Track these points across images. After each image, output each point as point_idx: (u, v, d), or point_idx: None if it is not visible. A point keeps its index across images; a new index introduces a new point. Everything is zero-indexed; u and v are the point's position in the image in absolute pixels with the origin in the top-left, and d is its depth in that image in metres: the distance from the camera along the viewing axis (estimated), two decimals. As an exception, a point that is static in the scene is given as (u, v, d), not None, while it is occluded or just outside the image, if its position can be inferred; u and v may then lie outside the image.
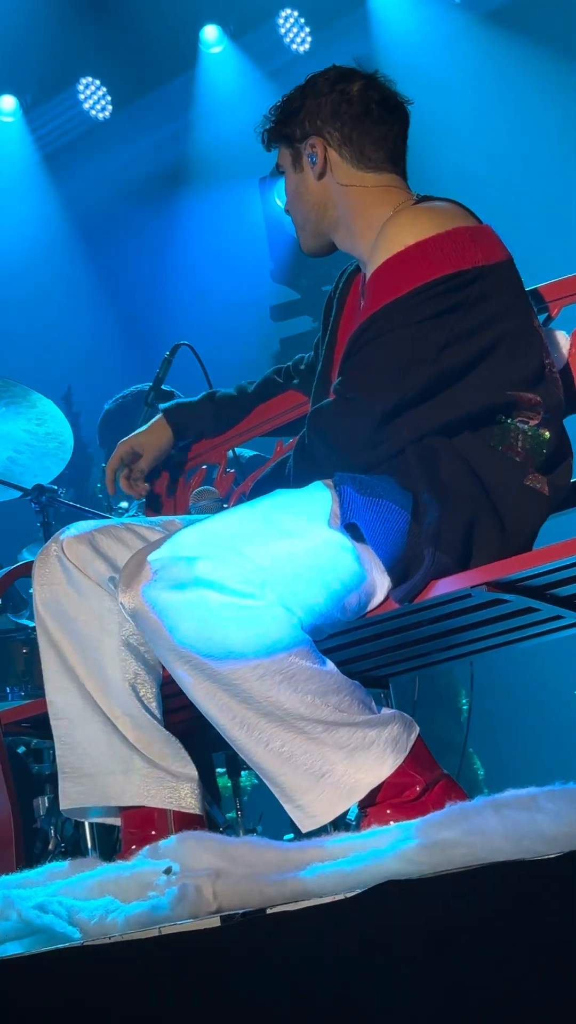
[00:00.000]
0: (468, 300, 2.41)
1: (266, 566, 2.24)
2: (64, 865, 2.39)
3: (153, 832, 2.49)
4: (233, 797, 3.58)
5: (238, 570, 2.23)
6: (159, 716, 2.56)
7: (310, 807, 2.24)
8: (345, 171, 2.62)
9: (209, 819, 2.68)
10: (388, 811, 2.25)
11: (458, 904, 1.42)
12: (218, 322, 7.32)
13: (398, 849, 1.83)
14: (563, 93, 7.12)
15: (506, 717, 6.35)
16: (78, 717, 2.56)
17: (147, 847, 2.24)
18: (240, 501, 2.84)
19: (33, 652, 3.77)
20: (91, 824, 2.88)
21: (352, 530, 2.31)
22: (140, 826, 2.53)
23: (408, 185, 2.64)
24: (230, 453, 3.18)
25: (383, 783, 2.25)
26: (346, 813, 2.32)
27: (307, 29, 7.57)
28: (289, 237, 5.80)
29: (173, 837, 2.20)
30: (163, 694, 2.59)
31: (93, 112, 7.90)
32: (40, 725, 2.77)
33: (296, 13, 7.56)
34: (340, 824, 2.47)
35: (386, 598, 2.37)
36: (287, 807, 2.27)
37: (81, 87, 7.85)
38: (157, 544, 2.30)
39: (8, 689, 3.77)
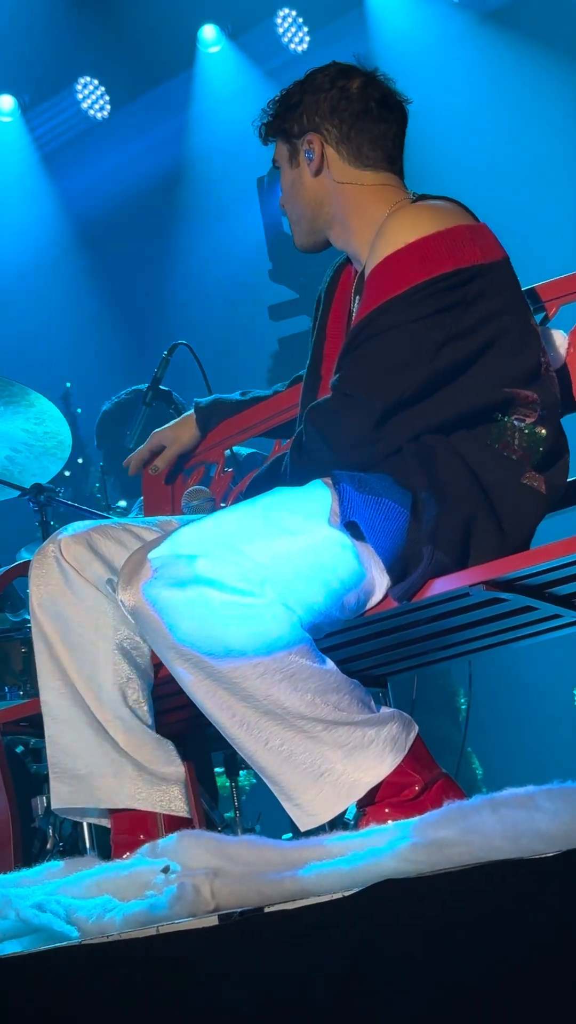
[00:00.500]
0: (467, 298, 2.40)
1: (266, 564, 2.24)
2: (60, 864, 2.39)
3: (142, 836, 2.48)
4: (231, 796, 3.58)
5: (238, 568, 2.23)
6: (150, 720, 2.55)
7: (309, 806, 2.24)
8: (342, 168, 2.61)
9: (208, 819, 2.68)
10: (386, 810, 2.25)
11: (456, 903, 1.42)
12: (216, 322, 7.33)
13: (396, 848, 1.83)
14: (561, 93, 7.12)
15: (504, 716, 6.35)
16: (69, 718, 2.56)
17: (146, 846, 2.24)
18: (238, 500, 2.84)
19: (31, 651, 3.75)
20: (89, 823, 2.87)
21: (352, 528, 2.31)
22: (130, 829, 2.52)
23: (405, 184, 2.64)
24: (228, 452, 3.18)
25: (382, 782, 2.25)
26: (344, 812, 2.31)
27: (305, 29, 7.58)
28: (287, 237, 5.80)
29: (171, 836, 2.19)
30: (160, 694, 2.59)
31: (91, 112, 7.90)
32: (38, 724, 2.76)
33: (294, 13, 7.58)
34: (338, 823, 2.47)
35: (385, 596, 2.37)
36: (286, 806, 2.27)
37: (79, 87, 7.86)
38: (157, 542, 2.30)
39: (7, 688, 3.77)
